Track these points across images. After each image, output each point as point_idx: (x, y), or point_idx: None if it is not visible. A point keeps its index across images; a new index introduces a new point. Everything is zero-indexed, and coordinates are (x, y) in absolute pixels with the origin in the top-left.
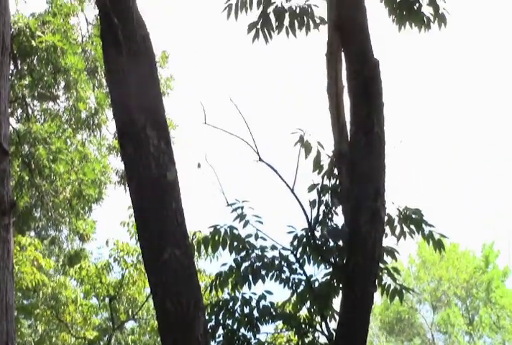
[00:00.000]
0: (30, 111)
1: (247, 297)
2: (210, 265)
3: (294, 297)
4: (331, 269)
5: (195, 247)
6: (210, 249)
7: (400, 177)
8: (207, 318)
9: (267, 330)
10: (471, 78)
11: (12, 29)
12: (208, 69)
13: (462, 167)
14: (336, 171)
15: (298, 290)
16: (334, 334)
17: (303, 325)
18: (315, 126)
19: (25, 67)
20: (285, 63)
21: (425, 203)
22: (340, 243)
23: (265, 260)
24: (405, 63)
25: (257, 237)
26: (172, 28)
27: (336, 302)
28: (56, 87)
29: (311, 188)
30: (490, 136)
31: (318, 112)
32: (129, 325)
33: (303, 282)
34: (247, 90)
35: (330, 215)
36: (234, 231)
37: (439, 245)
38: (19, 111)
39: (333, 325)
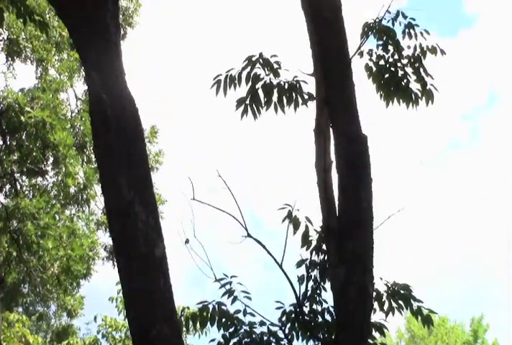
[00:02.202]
0: (19, 187)
1: None
2: (198, 341)
3: None
4: None
5: (184, 323)
6: (198, 325)
7: (389, 249)
8: None
9: None
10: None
11: (1, 105)
12: (196, 142)
13: (449, 237)
14: (324, 246)
15: None
16: None
17: None
18: (303, 200)
19: (14, 143)
20: (273, 137)
21: (413, 273)
22: (328, 318)
23: (254, 336)
24: (391, 135)
25: (245, 313)
26: (161, 101)
27: None
28: (45, 162)
29: (299, 264)
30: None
31: (307, 187)
32: None
33: None
34: (235, 164)
35: (318, 291)
36: (223, 307)
37: (427, 321)
38: (8, 186)
39: None
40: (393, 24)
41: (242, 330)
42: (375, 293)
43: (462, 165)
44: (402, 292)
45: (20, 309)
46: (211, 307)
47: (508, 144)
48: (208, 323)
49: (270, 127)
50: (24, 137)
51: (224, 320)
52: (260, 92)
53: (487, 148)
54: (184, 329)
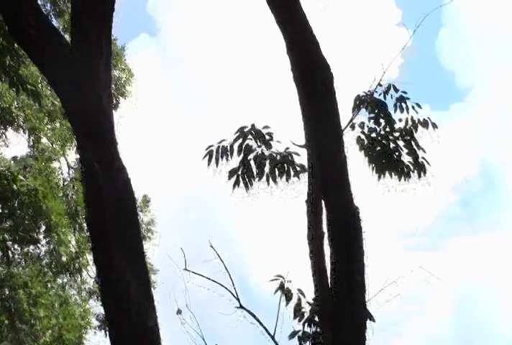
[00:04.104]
0: (11, 255)
1: None
2: None
3: None
4: None
5: None
6: None
7: (382, 321)
8: None
9: None
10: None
11: None
12: (189, 211)
13: (443, 314)
14: (317, 318)
15: None
16: None
17: None
18: (296, 270)
19: (6, 211)
20: (266, 207)
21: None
22: None
23: None
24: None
25: None
26: (153, 171)
27: None
28: (37, 230)
29: (291, 335)
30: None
31: (300, 257)
32: None
33: None
34: (228, 233)
35: None
36: None
37: None
38: (0, 254)
39: None
40: (385, 97)
41: None
42: None
43: (453, 238)
44: None
45: None
46: None
47: (499, 216)
48: None
49: (262, 197)
50: (16, 205)
51: None
52: (252, 163)
53: (477, 221)
54: None
